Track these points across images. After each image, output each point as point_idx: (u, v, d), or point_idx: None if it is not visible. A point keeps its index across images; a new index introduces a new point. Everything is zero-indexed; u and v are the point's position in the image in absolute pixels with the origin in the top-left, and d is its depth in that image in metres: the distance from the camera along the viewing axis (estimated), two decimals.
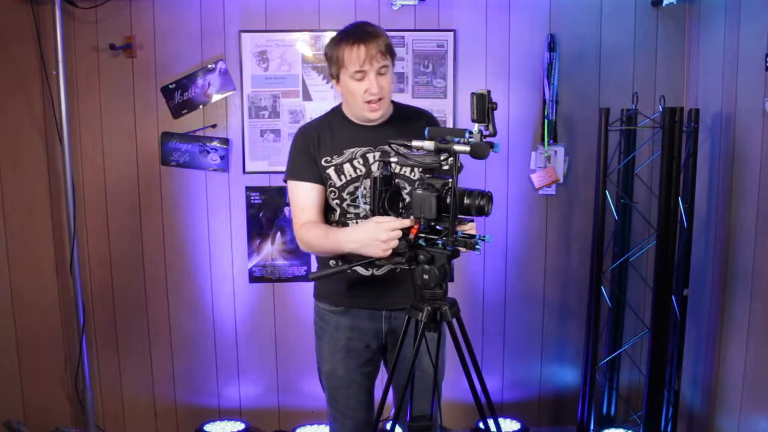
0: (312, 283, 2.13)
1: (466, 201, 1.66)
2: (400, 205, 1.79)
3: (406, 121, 2.00)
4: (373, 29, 1.88)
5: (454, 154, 1.62)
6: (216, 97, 2.95)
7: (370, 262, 1.93)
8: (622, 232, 2.95)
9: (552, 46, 2.96)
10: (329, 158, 1.95)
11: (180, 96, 2.93)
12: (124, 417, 3.12)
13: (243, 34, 2.91)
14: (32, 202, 2.93)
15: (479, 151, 1.58)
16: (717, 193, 2.77)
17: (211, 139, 2.97)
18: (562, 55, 2.99)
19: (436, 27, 2.96)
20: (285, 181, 2.02)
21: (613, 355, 2.97)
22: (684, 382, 2.87)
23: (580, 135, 3.05)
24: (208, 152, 2.97)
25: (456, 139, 1.62)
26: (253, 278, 3.06)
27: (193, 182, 3.00)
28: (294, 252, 3.02)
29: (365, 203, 1.93)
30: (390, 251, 1.70)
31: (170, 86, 2.93)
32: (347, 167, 1.95)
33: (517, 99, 3.02)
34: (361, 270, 1.97)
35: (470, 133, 1.61)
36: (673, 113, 2.58)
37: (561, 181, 3.07)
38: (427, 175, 1.71)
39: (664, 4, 2.96)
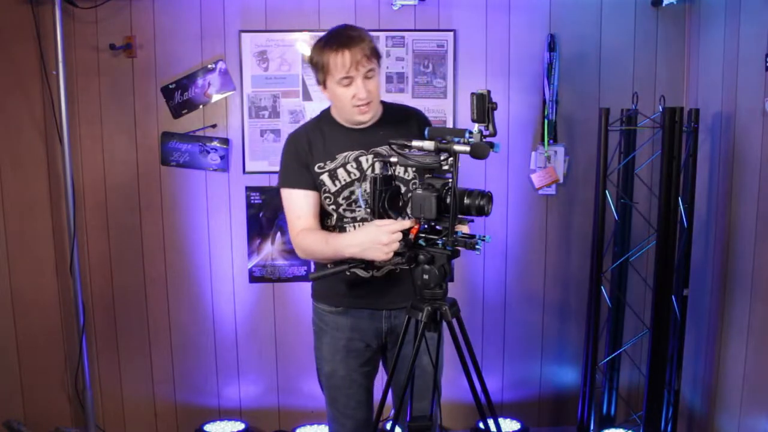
0: (311, 283, 2.13)
1: (466, 201, 1.66)
2: (400, 205, 1.79)
3: (397, 120, 1.99)
4: (357, 33, 1.86)
5: (454, 154, 1.61)
6: (216, 97, 2.95)
7: (370, 264, 1.93)
8: (622, 232, 2.95)
9: (552, 46, 2.96)
10: (322, 164, 1.93)
11: (180, 96, 2.93)
12: (124, 417, 3.12)
13: (243, 34, 2.91)
14: (32, 202, 2.93)
15: (479, 151, 1.58)
16: (717, 193, 2.77)
17: (211, 139, 2.97)
18: (562, 55, 2.99)
19: (436, 27, 2.96)
20: (278, 189, 1.99)
21: (613, 355, 2.97)
22: (684, 382, 2.87)
23: (580, 135, 3.05)
24: (208, 152, 2.97)
25: (456, 139, 1.62)
26: (253, 278, 3.06)
27: (193, 182, 3.00)
28: (294, 252, 3.01)
29: (365, 203, 1.93)
30: (392, 254, 1.70)
31: (170, 86, 2.93)
32: (341, 172, 1.93)
33: (517, 99, 3.02)
34: (361, 272, 1.97)
35: (470, 133, 1.61)
36: (673, 113, 2.58)
37: (561, 181, 3.07)
38: (428, 175, 1.71)
39: (664, 4, 2.96)
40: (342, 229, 1.95)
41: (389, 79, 2.97)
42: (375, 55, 1.87)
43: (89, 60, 2.88)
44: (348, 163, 1.94)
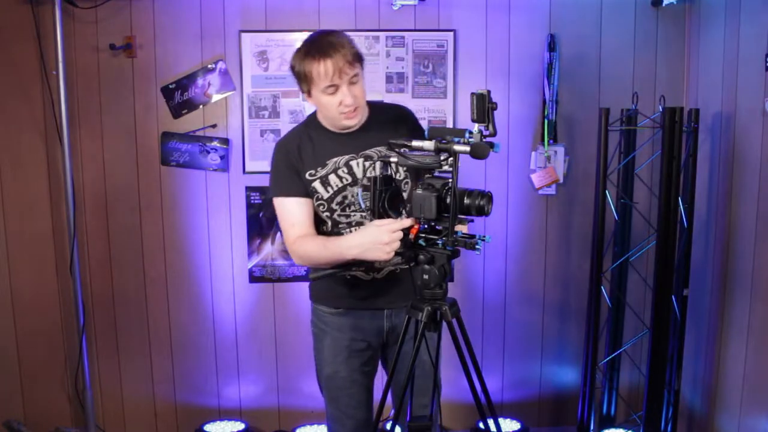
0: (309, 285, 2.13)
1: (466, 201, 1.66)
2: (400, 205, 1.79)
3: (385, 121, 1.98)
4: (337, 39, 1.82)
5: (454, 154, 1.61)
6: (216, 97, 2.95)
7: (370, 266, 1.93)
8: (622, 232, 2.95)
9: (552, 46, 2.96)
10: (313, 171, 1.92)
11: (180, 96, 2.93)
12: (124, 417, 3.12)
13: (243, 34, 2.91)
14: (32, 202, 2.93)
15: (479, 151, 1.58)
16: (717, 193, 2.77)
17: (211, 139, 2.97)
18: (562, 55, 2.99)
19: (436, 27, 2.96)
20: (270, 199, 1.97)
21: (613, 355, 2.97)
22: (684, 382, 2.86)
23: (580, 135, 3.05)
24: (208, 152, 2.97)
25: (456, 139, 1.62)
26: (253, 278, 3.06)
27: (193, 182, 3.00)
28: None
29: (365, 204, 1.93)
30: (393, 254, 1.69)
31: (170, 86, 2.93)
32: (332, 178, 1.92)
33: (517, 99, 3.02)
34: (362, 275, 1.97)
35: (470, 133, 1.61)
36: (673, 113, 2.58)
37: (561, 181, 3.07)
38: (428, 175, 1.71)
39: (664, 4, 2.96)
40: (339, 235, 1.93)
41: (389, 79, 2.97)
42: (358, 59, 1.84)
43: (89, 60, 2.88)
44: (339, 168, 1.92)
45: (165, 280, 3.04)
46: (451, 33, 2.96)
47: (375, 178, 1.75)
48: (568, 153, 3.06)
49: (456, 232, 1.66)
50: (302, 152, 1.92)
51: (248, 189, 3.00)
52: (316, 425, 3.06)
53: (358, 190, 1.93)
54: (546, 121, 2.99)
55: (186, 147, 2.96)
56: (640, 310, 3.07)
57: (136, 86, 2.92)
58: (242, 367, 3.13)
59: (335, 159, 1.92)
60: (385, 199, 1.74)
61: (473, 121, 1.60)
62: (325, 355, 2.05)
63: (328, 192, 1.93)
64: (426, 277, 1.70)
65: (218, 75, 2.93)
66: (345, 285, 1.98)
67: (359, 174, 1.93)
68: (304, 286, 3.00)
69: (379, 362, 2.14)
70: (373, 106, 1.99)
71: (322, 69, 1.79)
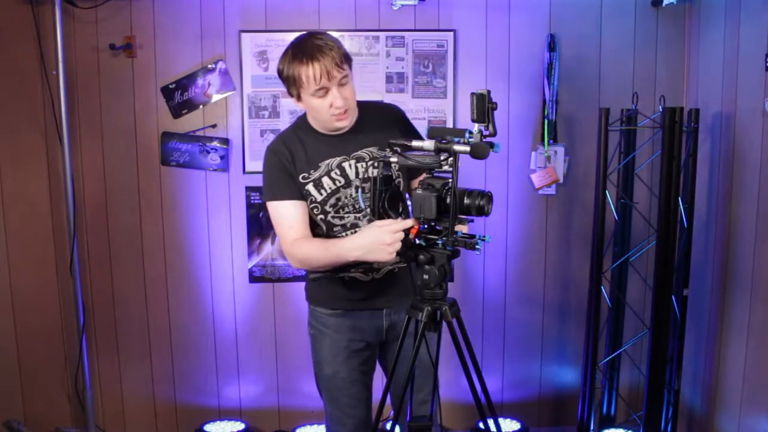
0: (305, 287, 2.12)
1: (466, 201, 1.65)
2: (401, 206, 1.79)
3: (375, 121, 1.97)
4: (324, 41, 1.80)
5: (454, 154, 1.61)
6: (216, 97, 2.95)
7: (369, 267, 1.93)
8: (622, 232, 2.95)
9: (552, 46, 2.96)
10: (306, 174, 1.91)
11: (180, 96, 2.93)
12: (124, 417, 3.12)
13: (243, 34, 2.91)
14: (32, 202, 2.93)
15: (479, 151, 1.57)
16: (717, 193, 2.77)
17: (211, 139, 2.97)
18: (562, 55, 2.99)
19: (436, 27, 2.96)
20: (264, 203, 1.95)
21: (613, 355, 2.97)
22: (684, 382, 2.86)
23: (580, 135, 3.05)
24: (208, 152, 2.97)
25: (456, 139, 1.62)
26: (253, 278, 3.06)
27: (193, 182, 3.00)
28: None
29: (365, 203, 1.93)
30: (395, 254, 1.68)
31: (170, 86, 2.93)
32: (326, 180, 1.91)
33: (517, 99, 3.02)
34: (360, 276, 1.97)
35: (470, 133, 1.61)
36: (673, 113, 2.58)
37: (561, 181, 3.07)
38: (428, 175, 1.71)
39: (664, 4, 2.96)
40: (335, 238, 1.92)
41: (389, 79, 2.97)
42: (346, 60, 1.83)
43: (89, 60, 2.88)
44: (332, 170, 1.91)
45: (165, 280, 3.04)
46: (451, 33, 2.96)
47: (375, 178, 1.75)
48: (568, 153, 3.06)
49: (456, 232, 1.66)
50: (294, 155, 1.91)
51: (248, 189, 3.00)
52: (316, 425, 3.06)
53: (358, 190, 1.93)
54: (546, 121, 2.99)
55: (186, 147, 2.96)
56: (640, 310, 3.07)
57: (136, 86, 2.92)
58: (242, 367, 3.13)
59: (327, 161, 1.92)
60: (385, 199, 1.74)
61: (473, 121, 1.60)
62: (324, 356, 2.04)
63: (321, 194, 1.92)
64: (426, 277, 1.70)
65: (218, 75, 2.93)
66: (343, 286, 1.98)
67: (352, 176, 1.92)
68: (304, 286, 3.02)
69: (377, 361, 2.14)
70: (362, 106, 1.97)
71: (311, 72, 1.77)
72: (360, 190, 1.92)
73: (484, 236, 1.66)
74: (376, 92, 2.95)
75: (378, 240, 1.68)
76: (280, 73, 1.86)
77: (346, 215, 1.94)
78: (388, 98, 2.94)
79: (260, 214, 3.01)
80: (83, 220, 2.96)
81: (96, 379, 3.06)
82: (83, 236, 2.97)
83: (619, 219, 2.92)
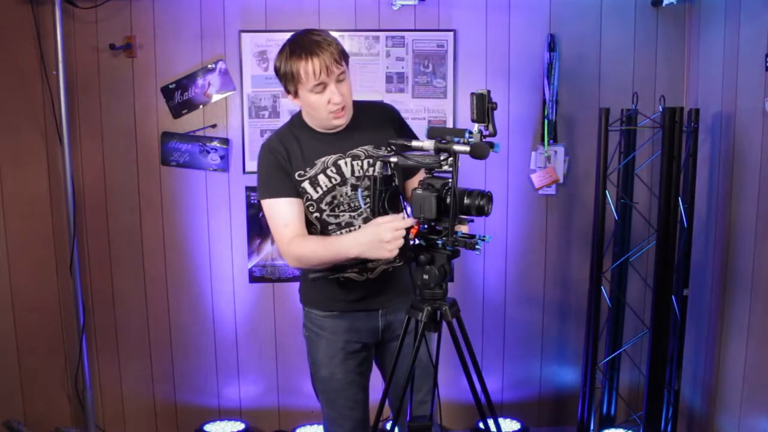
0: (299, 289, 2.12)
1: (466, 201, 1.65)
2: (400, 206, 1.79)
3: (370, 119, 1.97)
4: (322, 37, 1.81)
5: (454, 154, 1.61)
6: (216, 97, 2.95)
7: (364, 267, 1.93)
8: (622, 232, 2.95)
9: (552, 46, 2.96)
10: (302, 172, 1.90)
11: (180, 96, 2.93)
12: (124, 417, 3.12)
13: (243, 34, 2.91)
14: (32, 202, 2.93)
15: (479, 151, 1.58)
16: (717, 193, 2.77)
17: (211, 139, 2.97)
18: (562, 55, 2.99)
19: (436, 27, 2.96)
20: (258, 202, 1.95)
21: (613, 355, 2.97)
22: (684, 382, 2.86)
23: (580, 135, 3.05)
24: (208, 152, 2.97)
25: (456, 139, 1.62)
26: (253, 278, 3.06)
27: (193, 182, 3.00)
28: None
29: (365, 203, 1.93)
30: (396, 251, 1.67)
31: (170, 86, 2.93)
32: (321, 178, 1.91)
33: (517, 99, 3.02)
34: (355, 276, 1.96)
35: (470, 133, 1.61)
36: (673, 113, 2.58)
37: (561, 181, 3.07)
38: (427, 175, 1.71)
39: (664, 4, 2.96)
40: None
41: (389, 79, 2.97)
42: (344, 57, 1.83)
43: (89, 60, 2.88)
44: (328, 168, 1.91)
45: (165, 280, 3.04)
46: (451, 33, 2.96)
47: (375, 178, 1.75)
48: (568, 153, 3.06)
49: (456, 232, 1.66)
50: (290, 153, 1.90)
51: (248, 189, 3.00)
52: (316, 425, 3.06)
53: (357, 189, 1.92)
54: (546, 121, 2.99)
55: (186, 147, 2.96)
56: (640, 310, 3.07)
57: (136, 86, 2.92)
58: (242, 367, 3.13)
59: (323, 159, 1.91)
60: (386, 199, 1.74)
61: (473, 121, 1.60)
62: (320, 358, 2.03)
63: (317, 192, 1.91)
64: (426, 277, 1.70)
65: (218, 75, 2.93)
66: (338, 287, 1.97)
67: (348, 173, 1.92)
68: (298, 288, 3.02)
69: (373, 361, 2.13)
70: (357, 105, 1.97)
71: (310, 68, 1.77)
72: (359, 189, 1.92)
73: (484, 236, 1.66)
74: (376, 92, 2.95)
75: (379, 237, 1.67)
76: (277, 70, 1.86)
77: (341, 213, 1.94)
78: (388, 98, 2.94)
79: (260, 214, 3.01)
80: (83, 220, 2.96)
81: (96, 379, 3.06)
82: (83, 236, 2.97)
83: (619, 219, 2.92)
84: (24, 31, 2.79)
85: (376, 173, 1.84)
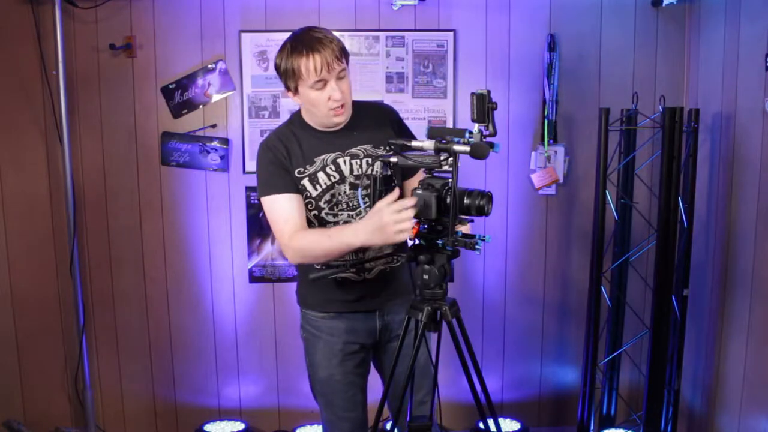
0: (296, 290, 2.12)
1: (466, 201, 1.66)
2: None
3: (369, 119, 1.97)
4: (323, 35, 1.82)
5: (454, 154, 1.61)
6: (216, 97, 2.95)
7: (362, 266, 1.93)
8: (622, 232, 2.95)
9: (552, 46, 2.96)
10: (302, 169, 1.90)
11: (180, 96, 2.93)
12: (124, 417, 3.12)
13: (243, 34, 2.91)
14: (32, 202, 2.93)
15: (479, 151, 1.58)
16: (717, 193, 2.77)
17: (211, 139, 2.97)
18: (562, 55, 2.99)
19: (436, 27, 2.96)
20: (258, 200, 1.93)
21: (613, 355, 2.97)
22: (684, 382, 2.87)
23: (580, 135, 3.05)
24: (208, 152, 2.97)
25: (456, 139, 1.62)
26: (253, 278, 3.06)
27: (193, 182, 3.00)
28: None
29: (364, 202, 1.93)
30: (404, 234, 1.64)
31: (170, 86, 2.93)
32: (321, 176, 1.91)
33: (517, 99, 3.02)
34: (353, 276, 1.96)
35: (470, 133, 1.61)
36: (673, 113, 2.58)
37: (561, 181, 3.07)
38: (427, 175, 1.71)
39: (664, 4, 2.96)
40: None
41: (389, 79, 2.97)
42: (344, 55, 1.84)
43: (89, 60, 2.88)
44: (327, 166, 1.91)
45: (165, 280, 3.04)
46: (451, 33, 2.96)
47: (375, 177, 1.75)
48: (568, 153, 3.06)
49: (456, 232, 1.66)
50: (290, 151, 1.90)
51: (248, 189, 3.00)
52: (316, 425, 3.06)
53: (357, 189, 1.93)
54: (546, 121, 2.99)
55: (186, 147, 2.96)
56: (640, 310, 3.07)
57: (136, 86, 2.92)
58: (242, 367, 3.13)
59: (323, 156, 1.91)
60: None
61: (473, 121, 1.60)
62: (318, 359, 2.03)
63: (316, 190, 1.92)
64: (426, 277, 1.69)
65: (218, 75, 2.93)
66: (335, 288, 1.97)
67: (346, 172, 1.92)
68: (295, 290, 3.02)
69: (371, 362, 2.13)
70: (356, 105, 1.97)
71: (311, 64, 1.78)
72: (359, 188, 1.92)
73: (484, 236, 1.66)
74: (376, 92, 2.95)
75: (381, 221, 1.65)
76: (277, 67, 1.87)
77: (339, 212, 1.94)
78: (388, 98, 2.94)
79: (260, 214, 3.01)
80: (83, 220, 2.96)
81: (96, 379, 3.06)
82: (83, 236, 2.97)
83: (619, 219, 2.92)
84: (24, 31, 2.79)
85: (375, 173, 1.83)
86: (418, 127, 2.67)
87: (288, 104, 2.95)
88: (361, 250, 1.89)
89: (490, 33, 2.99)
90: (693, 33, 2.97)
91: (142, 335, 3.07)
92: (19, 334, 2.99)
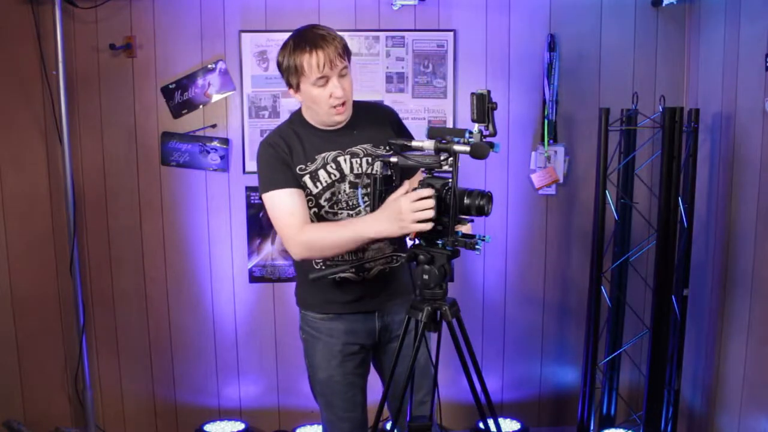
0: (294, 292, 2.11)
1: (466, 201, 1.66)
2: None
3: (368, 119, 1.97)
4: (326, 32, 1.82)
5: (454, 154, 1.62)
6: (216, 97, 2.95)
7: (361, 266, 1.93)
8: (622, 232, 2.95)
9: (552, 46, 2.96)
10: (303, 166, 1.90)
11: (180, 96, 2.93)
12: (124, 417, 3.12)
13: (243, 34, 2.91)
14: (32, 202, 2.93)
15: (479, 151, 1.58)
16: (717, 193, 2.77)
17: (211, 139, 2.97)
18: (562, 55, 2.99)
19: (436, 27, 2.96)
20: (260, 197, 1.91)
21: (613, 355, 2.97)
22: (684, 382, 2.87)
23: (580, 135, 3.05)
24: (208, 152, 2.97)
25: (456, 139, 1.62)
26: (253, 278, 3.06)
27: (193, 182, 3.00)
28: None
29: (365, 203, 1.93)
30: (422, 223, 1.63)
31: (170, 86, 2.93)
32: (322, 173, 1.91)
33: (517, 99, 3.02)
34: (352, 276, 1.96)
35: (470, 133, 1.61)
36: (673, 113, 2.58)
37: (561, 181, 3.07)
38: (427, 175, 1.71)
39: (664, 4, 2.96)
40: None
41: (389, 79, 2.97)
42: (347, 53, 1.85)
43: (89, 60, 2.88)
44: (327, 164, 1.91)
45: (165, 280, 3.04)
46: (451, 33, 2.96)
47: (375, 177, 1.75)
48: (568, 153, 3.06)
49: (456, 232, 1.66)
50: (291, 147, 1.91)
51: (248, 189, 3.00)
52: (316, 425, 3.06)
53: (358, 188, 1.93)
54: (546, 121, 2.99)
55: (186, 147, 2.96)
56: (640, 310, 3.07)
57: (136, 86, 2.92)
58: (242, 367, 3.13)
59: (324, 154, 1.91)
60: (385, 199, 1.74)
61: (473, 121, 1.60)
62: (318, 360, 2.02)
63: (317, 187, 1.91)
64: (426, 277, 1.69)
65: (218, 75, 2.93)
66: (334, 288, 1.97)
67: (347, 170, 1.92)
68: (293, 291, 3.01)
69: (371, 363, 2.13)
70: (356, 105, 1.97)
71: (314, 61, 1.78)
72: (359, 187, 1.92)
73: (484, 236, 1.66)
74: (376, 92, 2.95)
75: (398, 210, 1.64)
76: (279, 64, 1.87)
77: (339, 211, 1.94)
78: (388, 98, 2.94)
79: (260, 214, 3.01)
80: (83, 220, 2.96)
81: (96, 379, 3.06)
82: (83, 236, 2.97)
83: (619, 219, 2.92)
84: (24, 31, 2.79)
85: (375, 173, 1.83)
86: (418, 127, 2.67)
87: (288, 104, 2.95)
88: (361, 250, 1.89)
89: (490, 33, 2.99)
90: (693, 33, 2.97)
91: (142, 335, 3.07)
92: (19, 334, 2.99)
